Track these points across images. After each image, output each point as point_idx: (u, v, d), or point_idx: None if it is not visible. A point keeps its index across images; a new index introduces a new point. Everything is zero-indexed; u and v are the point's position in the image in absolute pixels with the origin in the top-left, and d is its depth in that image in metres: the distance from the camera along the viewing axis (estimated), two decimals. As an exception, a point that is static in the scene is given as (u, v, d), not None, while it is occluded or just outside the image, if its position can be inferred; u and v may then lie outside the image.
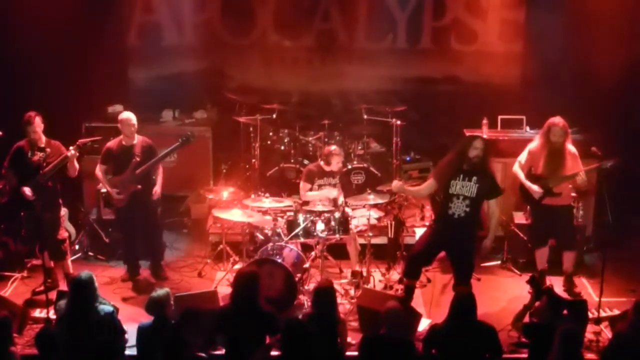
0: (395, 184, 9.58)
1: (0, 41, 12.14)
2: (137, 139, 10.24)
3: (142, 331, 7.85)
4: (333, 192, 10.61)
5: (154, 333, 7.73)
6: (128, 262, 10.63)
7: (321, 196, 10.48)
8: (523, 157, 10.06)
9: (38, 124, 9.80)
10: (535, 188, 9.79)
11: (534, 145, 9.96)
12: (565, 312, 8.38)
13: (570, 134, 9.81)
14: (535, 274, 9.41)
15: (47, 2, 11.90)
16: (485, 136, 11.31)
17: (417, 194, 9.63)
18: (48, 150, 9.75)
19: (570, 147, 9.76)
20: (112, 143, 10.34)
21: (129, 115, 10.19)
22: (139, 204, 10.21)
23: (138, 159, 10.11)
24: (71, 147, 9.77)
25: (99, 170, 10.30)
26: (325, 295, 7.98)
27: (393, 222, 10.99)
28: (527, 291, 8.98)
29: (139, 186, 10.11)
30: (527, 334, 8.36)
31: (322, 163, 10.87)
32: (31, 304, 9.66)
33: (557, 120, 9.74)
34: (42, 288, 9.64)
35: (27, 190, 9.72)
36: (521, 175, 9.99)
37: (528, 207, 10.50)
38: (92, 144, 10.19)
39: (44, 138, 9.89)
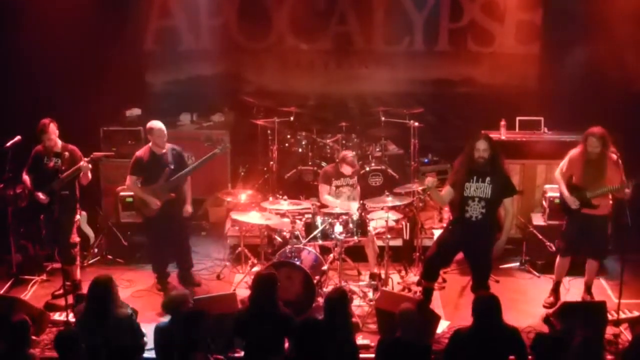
0: (429, 180, 9.31)
1: (18, 47, 12.22)
2: (167, 147, 10.18)
3: (158, 331, 7.88)
4: (353, 207, 10.50)
5: (169, 332, 7.76)
6: (158, 271, 10.51)
7: (341, 207, 10.44)
8: (564, 164, 9.81)
9: (52, 130, 9.79)
10: (571, 199, 9.60)
11: (574, 152, 9.71)
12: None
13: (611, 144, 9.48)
14: (549, 316, 9.10)
15: (65, 8, 11.95)
16: (499, 136, 11.32)
17: (440, 199, 9.48)
18: (66, 154, 9.78)
19: (613, 157, 9.46)
20: (141, 152, 10.20)
21: (160, 126, 10.11)
22: (169, 212, 10.16)
23: (172, 167, 10.08)
24: (84, 159, 9.78)
25: (130, 182, 10.19)
26: (333, 302, 7.86)
27: (408, 224, 11.00)
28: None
29: (173, 194, 10.11)
30: (534, 346, 8.26)
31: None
32: (51, 307, 9.70)
33: (595, 130, 9.42)
34: (61, 291, 9.68)
35: (41, 195, 9.78)
36: (561, 183, 9.77)
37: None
38: (105, 158, 10.19)
39: (59, 143, 9.90)
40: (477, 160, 8.98)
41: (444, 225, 11.20)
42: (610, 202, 9.73)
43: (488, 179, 8.99)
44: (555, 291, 10.10)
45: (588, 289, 9.98)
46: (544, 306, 9.98)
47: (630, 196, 9.28)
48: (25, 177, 9.97)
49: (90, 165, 9.79)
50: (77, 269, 10.26)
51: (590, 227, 9.70)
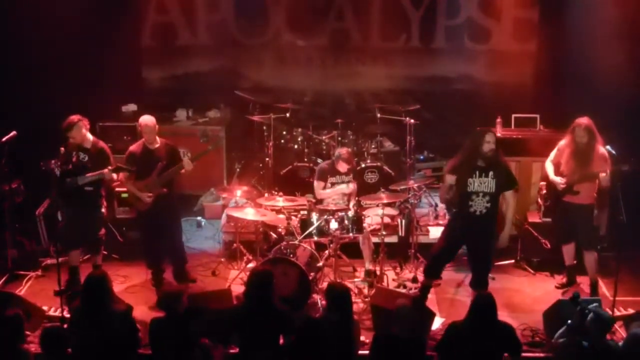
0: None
1: (14, 43, 12.17)
2: (160, 142, 10.11)
3: (154, 325, 7.89)
4: (348, 187, 10.61)
5: (165, 327, 7.77)
6: (153, 267, 10.45)
7: (336, 192, 10.49)
8: (553, 153, 10.02)
9: (78, 129, 9.76)
10: (558, 180, 9.78)
11: (562, 143, 9.89)
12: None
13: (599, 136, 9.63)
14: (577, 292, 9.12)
15: (62, 3, 11.92)
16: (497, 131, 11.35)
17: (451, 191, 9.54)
18: (93, 151, 9.79)
19: (601, 149, 9.57)
20: (134, 147, 10.15)
21: (151, 120, 10.03)
22: (162, 207, 10.09)
23: (165, 162, 10.01)
24: (108, 168, 9.72)
25: (122, 176, 10.11)
26: (340, 296, 7.89)
27: (403, 221, 11.00)
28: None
29: (165, 190, 10.05)
30: None
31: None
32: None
33: (581, 120, 9.62)
34: (63, 287, 9.67)
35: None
36: (550, 171, 9.97)
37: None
38: (129, 172, 9.99)
39: (91, 139, 9.91)
40: (487, 153, 9.00)
41: (439, 222, 11.25)
42: (595, 194, 9.86)
43: (491, 173, 9.02)
44: (569, 273, 10.30)
45: (593, 285, 10.01)
46: (556, 287, 10.33)
47: (608, 182, 9.49)
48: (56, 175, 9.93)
49: (114, 175, 9.82)
50: (100, 256, 10.42)
51: (574, 217, 9.89)
